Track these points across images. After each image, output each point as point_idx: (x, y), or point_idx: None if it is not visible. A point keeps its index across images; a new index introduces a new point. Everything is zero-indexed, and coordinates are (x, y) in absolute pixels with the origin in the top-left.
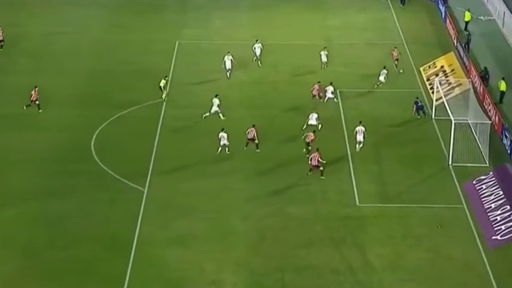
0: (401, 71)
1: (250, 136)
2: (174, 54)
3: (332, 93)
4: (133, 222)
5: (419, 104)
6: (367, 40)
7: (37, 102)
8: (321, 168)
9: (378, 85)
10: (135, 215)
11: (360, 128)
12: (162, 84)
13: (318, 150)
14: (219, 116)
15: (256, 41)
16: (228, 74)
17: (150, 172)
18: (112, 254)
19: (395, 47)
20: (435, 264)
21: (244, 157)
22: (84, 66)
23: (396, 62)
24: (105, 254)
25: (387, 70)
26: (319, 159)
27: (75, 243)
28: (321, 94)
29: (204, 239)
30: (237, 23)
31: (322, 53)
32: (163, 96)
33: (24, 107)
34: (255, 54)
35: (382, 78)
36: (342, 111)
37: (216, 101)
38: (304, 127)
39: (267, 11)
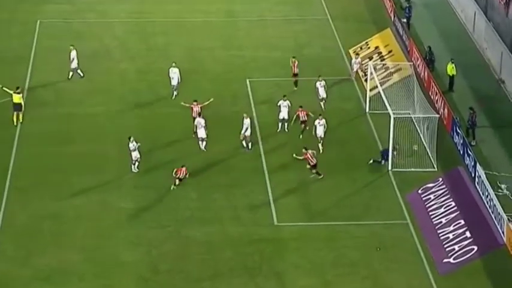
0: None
1: (181, 175)
2: (35, 38)
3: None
4: None
5: None
6: (282, 15)
7: None
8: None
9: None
10: None
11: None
12: (16, 100)
13: (305, 148)
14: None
15: (173, 64)
16: (70, 74)
17: (6, 190)
18: None
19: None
20: None
21: (127, 167)
22: None
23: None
24: None
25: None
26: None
27: None
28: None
29: (79, 274)
30: None
31: (318, 84)
32: (16, 120)
33: None
34: (171, 83)
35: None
36: (252, 106)
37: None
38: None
39: None
